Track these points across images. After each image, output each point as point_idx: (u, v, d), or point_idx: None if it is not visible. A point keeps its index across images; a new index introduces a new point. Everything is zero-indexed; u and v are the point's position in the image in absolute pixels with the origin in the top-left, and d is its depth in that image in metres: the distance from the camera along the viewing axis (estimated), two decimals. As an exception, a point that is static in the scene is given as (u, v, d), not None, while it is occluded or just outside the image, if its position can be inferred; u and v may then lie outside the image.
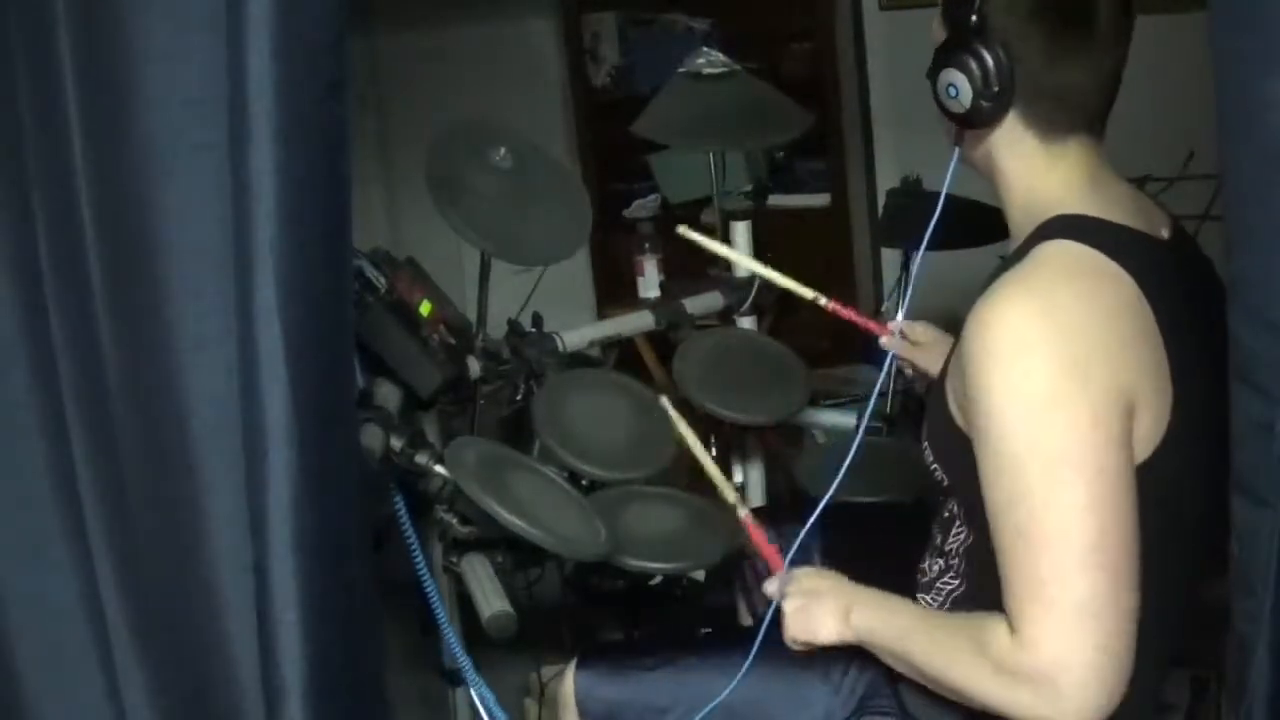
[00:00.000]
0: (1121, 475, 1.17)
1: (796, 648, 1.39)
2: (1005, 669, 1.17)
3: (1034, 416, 1.17)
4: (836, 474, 1.35)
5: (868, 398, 2.25)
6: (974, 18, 1.24)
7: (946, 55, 1.27)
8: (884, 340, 1.65)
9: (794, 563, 1.43)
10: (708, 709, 1.40)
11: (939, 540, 1.43)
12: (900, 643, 1.31)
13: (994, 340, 1.19)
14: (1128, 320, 1.21)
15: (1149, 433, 1.20)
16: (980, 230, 2.07)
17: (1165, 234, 1.35)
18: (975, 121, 1.28)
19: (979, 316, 1.21)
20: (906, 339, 1.70)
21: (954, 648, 1.24)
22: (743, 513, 1.50)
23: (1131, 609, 1.15)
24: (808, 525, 1.37)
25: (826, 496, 1.37)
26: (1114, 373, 1.17)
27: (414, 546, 1.59)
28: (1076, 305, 1.19)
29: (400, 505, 1.59)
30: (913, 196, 2.23)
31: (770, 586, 1.42)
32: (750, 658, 1.37)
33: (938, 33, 1.31)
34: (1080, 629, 1.13)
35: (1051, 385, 1.17)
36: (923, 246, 1.33)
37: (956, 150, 1.32)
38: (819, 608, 1.37)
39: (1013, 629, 1.17)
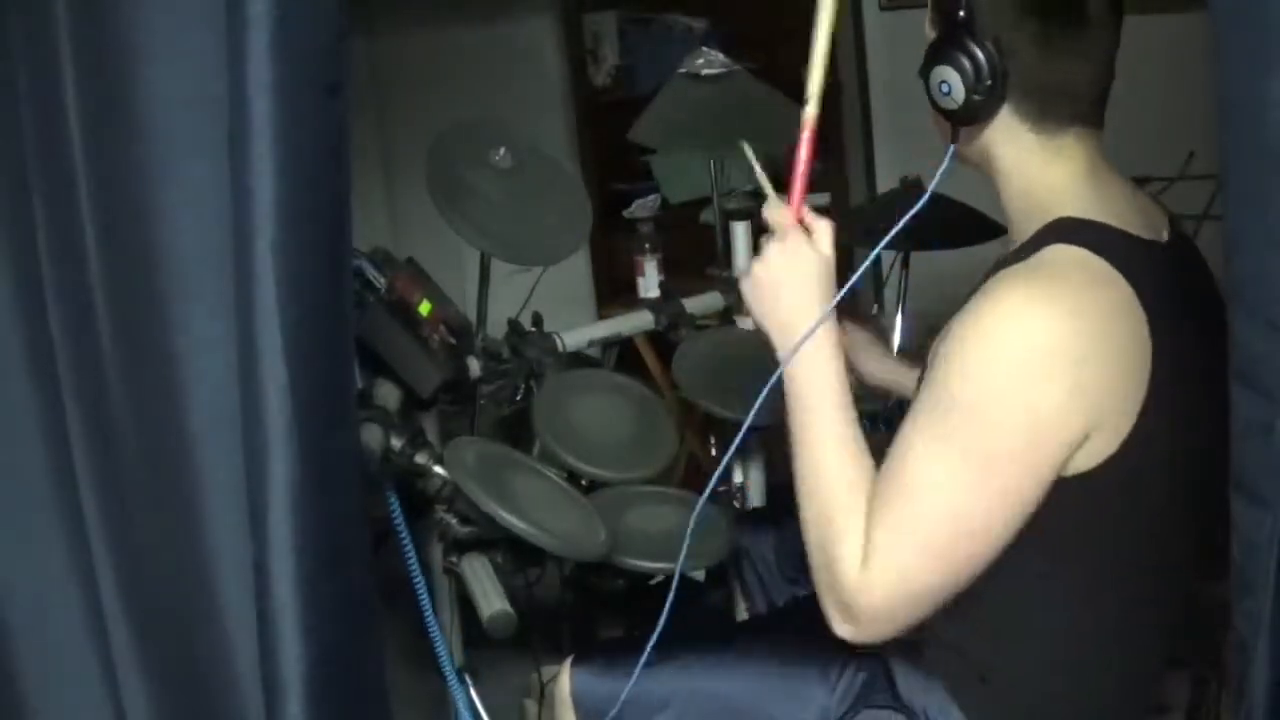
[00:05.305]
0: (1006, 496, 1.20)
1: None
2: (832, 557, 1.26)
3: (971, 393, 1.20)
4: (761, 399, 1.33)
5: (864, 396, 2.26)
6: (962, 13, 1.24)
7: (937, 52, 1.26)
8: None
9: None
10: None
11: None
12: (795, 443, 1.33)
13: (989, 308, 1.21)
14: (1119, 332, 1.20)
15: (1105, 445, 1.21)
16: (966, 231, 2.08)
17: (1164, 236, 1.34)
18: (969, 117, 1.27)
19: (986, 290, 1.22)
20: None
21: (822, 515, 1.28)
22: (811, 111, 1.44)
23: (945, 589, 1.23)
24: (733, 447, 1.40)
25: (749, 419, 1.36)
26: (1075, 398, 1.18)
27: (407, 547, 1.59)
28: (1070, 319, 1.19)
29: (394, 505, 1.59)
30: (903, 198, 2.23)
31: (773, 213, 1.36)
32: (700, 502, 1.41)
33: (929, 31, 1.31)
34: (892, 583, 1.23)
35: (1005, 379, 1.18)
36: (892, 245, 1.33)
37: (951, 149, 1.31)
38: (772, 322, 1.34)
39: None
